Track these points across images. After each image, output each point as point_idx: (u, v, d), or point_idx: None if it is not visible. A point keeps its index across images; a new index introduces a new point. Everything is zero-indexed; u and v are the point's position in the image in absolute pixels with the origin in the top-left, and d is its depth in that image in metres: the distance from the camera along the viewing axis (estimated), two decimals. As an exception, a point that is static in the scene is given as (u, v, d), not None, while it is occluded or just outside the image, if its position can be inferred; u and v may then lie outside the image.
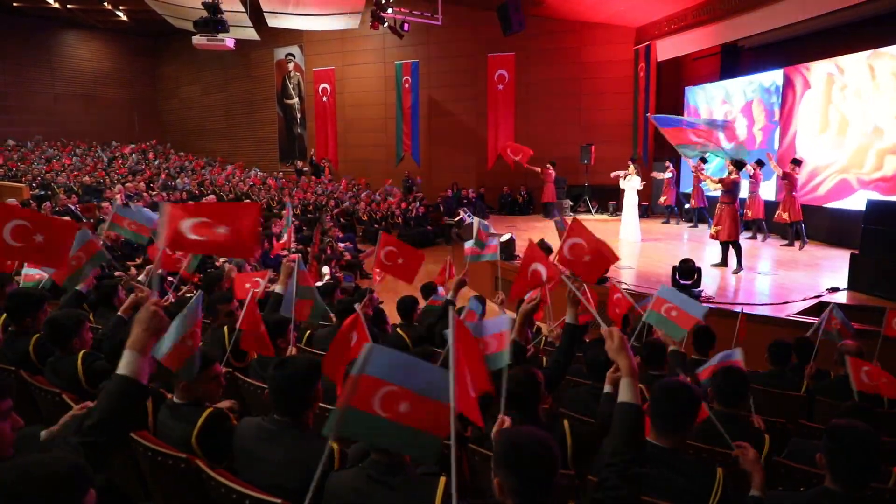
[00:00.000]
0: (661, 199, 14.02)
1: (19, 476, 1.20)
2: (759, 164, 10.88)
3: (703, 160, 12.37)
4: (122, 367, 1.75)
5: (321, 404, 2.46)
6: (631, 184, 11.89)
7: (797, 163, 10.23)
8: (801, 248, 10.28)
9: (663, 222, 14.11)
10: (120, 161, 18.28)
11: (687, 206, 13.83)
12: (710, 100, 14.40)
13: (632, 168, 12.30)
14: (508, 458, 1.62)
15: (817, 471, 2.19)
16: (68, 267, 3.81)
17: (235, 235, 2.26)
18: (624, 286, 7.99)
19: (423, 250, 14.27)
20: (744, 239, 10.34)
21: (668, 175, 13.59)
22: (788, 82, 11.77)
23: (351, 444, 2.29)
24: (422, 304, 6.13)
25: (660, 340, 4.26)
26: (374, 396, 1.56)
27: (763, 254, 10.27)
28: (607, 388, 2.85)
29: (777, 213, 10.56)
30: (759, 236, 11.33)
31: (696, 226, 13.11)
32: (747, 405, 3.34)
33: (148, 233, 4.96)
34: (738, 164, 8.83)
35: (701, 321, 4.10)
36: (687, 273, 7.41)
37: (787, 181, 10.21)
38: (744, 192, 10.52)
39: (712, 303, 7.09)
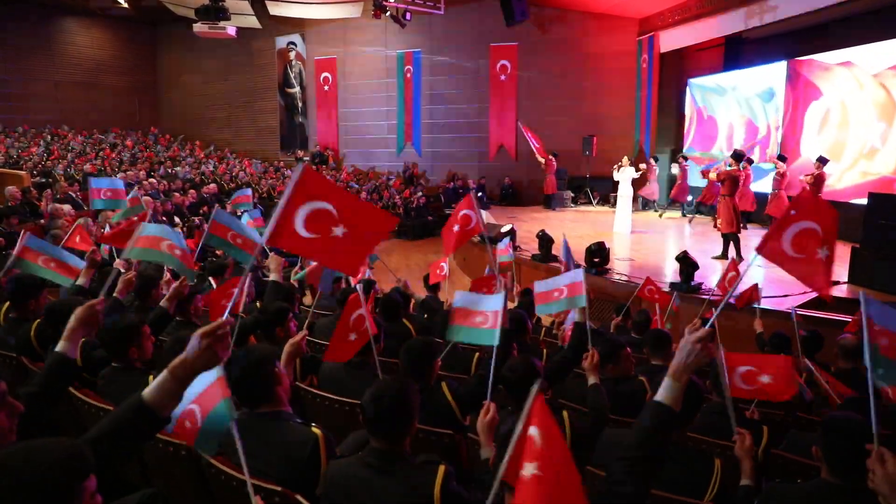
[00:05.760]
0: (675, 195, 13.78)
1: (23, 459, 1.21)
2: (782, 159, 10.57)
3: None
4: (149, 392, 1.53)
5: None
6: (624, 175, 11.89)
7: (823, 161, 9.53)
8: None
9: (682, 215, 13.74)
10: (121, 149, 18.24)
11: (691, 200, 13.75)
12: (708, 100, 14.33)
13: (625, 160, 12.29)
14: (501, 440, 1.64)
15: (814, 463, 2.20)
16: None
17: (351, 244, 1.86)
18: (623, 278, 8.02)
19: (424, 241, 14.47)
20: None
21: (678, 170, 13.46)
22: (794, 75, 11.69)
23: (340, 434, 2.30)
24: (422, 294, 6.15)
25: (662, 331, 4.28)
26: None
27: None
28: (592, 380, 2.88)
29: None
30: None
31: (716, 225, 12.63)
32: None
33: (253, 250, 3.84)
34: (737, 157, 8.80)
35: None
36: (686, 265, 7.40)
37: (814, 181, 9.46)
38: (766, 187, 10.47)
39: (714, 296, 7.10)
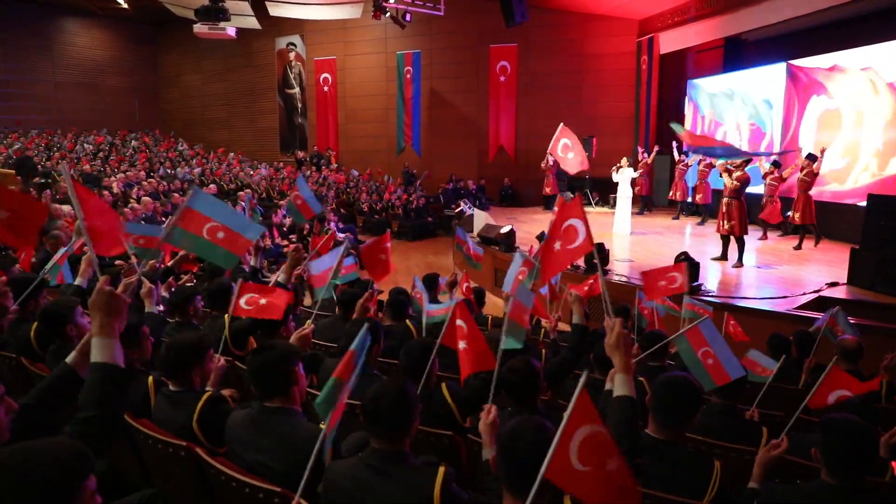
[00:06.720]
0: (674, 194, 13.74)
1: (23, 460, 1.22)
2: (776, 165, 10.50)
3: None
4: (95, 355, 1.75)
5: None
6: (623, 176, 11.89)
7: (813, 158, 9.60)
8: (815, 244, 9.84)
9: (673, 218, 13.71)
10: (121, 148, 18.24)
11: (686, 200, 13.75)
12: (716, 104, 14.33)
13: (624, 161, 12.28)
14: (502, 441, 1.66)
15: (814, 464, 2.20)
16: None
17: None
18: (623, 279, 8.01)
19: (423, 241, 14.46)
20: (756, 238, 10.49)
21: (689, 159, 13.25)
22: (795, 77, 11.68)
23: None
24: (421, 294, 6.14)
25: (659, 331, 4.28)
26: None
27: (763, 248, 10.26)
28: (608, 385, 2.81)
29: (790, 213, 10.14)
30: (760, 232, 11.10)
31: (702, 223, 12.69)
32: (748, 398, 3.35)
33: (156, 244, 3.84)
34: (748, 159, 8.81)
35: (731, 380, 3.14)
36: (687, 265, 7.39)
37: (806, 179, 9.63)
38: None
39: (713, 296, 7.11)
